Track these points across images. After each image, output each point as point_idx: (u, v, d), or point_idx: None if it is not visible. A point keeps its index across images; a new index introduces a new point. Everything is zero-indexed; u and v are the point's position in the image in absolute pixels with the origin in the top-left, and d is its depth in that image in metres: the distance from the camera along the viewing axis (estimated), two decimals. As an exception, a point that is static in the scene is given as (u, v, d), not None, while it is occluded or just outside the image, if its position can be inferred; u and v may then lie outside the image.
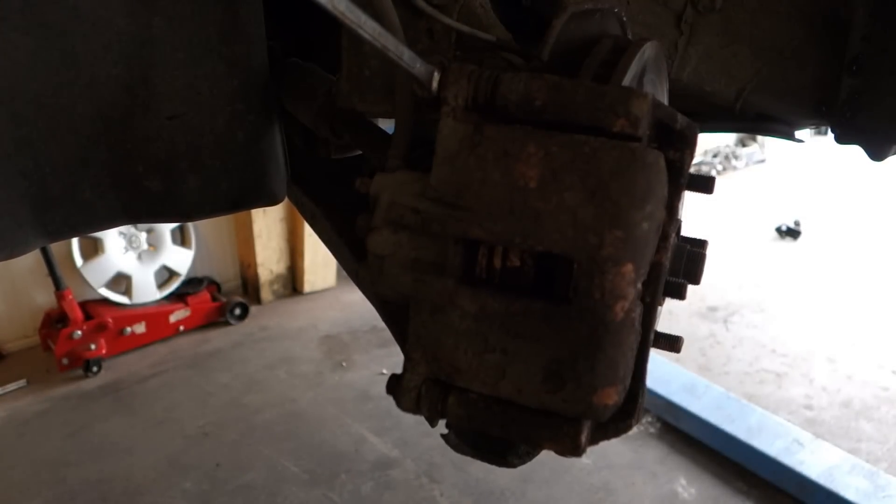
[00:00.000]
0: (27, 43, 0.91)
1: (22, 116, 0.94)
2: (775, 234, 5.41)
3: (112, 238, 3.73)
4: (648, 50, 0.80)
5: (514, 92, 0.69)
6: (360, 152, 1.25)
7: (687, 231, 0.87)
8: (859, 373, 3.55)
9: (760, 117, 1.32)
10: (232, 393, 3.42)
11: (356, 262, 1.07)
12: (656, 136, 0.69)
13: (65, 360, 3.50)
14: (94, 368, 3.54)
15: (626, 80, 0.73)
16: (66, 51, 0.93)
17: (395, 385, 0.77)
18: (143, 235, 3.85)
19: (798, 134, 1.42)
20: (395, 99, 0.85)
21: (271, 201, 1.15)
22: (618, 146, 0.65)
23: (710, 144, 7.19)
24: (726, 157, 7.14)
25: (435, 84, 0.71)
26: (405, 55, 0.69)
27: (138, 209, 1.07)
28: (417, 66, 0.70)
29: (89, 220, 1.05)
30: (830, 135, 1.27)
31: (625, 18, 0.88)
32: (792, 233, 5.34)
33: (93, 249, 3.72)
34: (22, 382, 3.46)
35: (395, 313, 0.92)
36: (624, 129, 0.66)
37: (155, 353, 3.77)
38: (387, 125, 1.02)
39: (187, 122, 1.03)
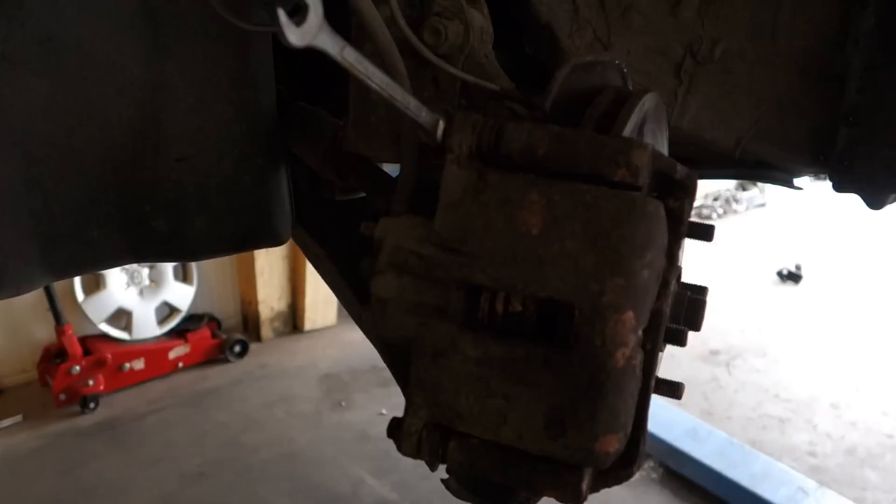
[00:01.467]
0: (43, 86, 0.93)
1: (34, 157, 0.96)
2: (776, 277, 5.42)
3: (114, 273, 3.74)
4: (648, 101, 0.82)
5: (517, 141, 0.71)
6: (364, 194, 1.26)
7: (688, 274, 0.88)
8: (864, 420, 3.53)
9: (760, 164, 1.34)
10: (230, 432, 3.39)
11: (359, 304, 1.07)
12: (656, 185, 0.71)
13: (62, 396, 3.48)
14: (91, 405, 3.52)
15: (627, 131, 0.75)
16: (81, 94, 0.95)
17: (396, 429, 0.78)
18: (146, 271, 3.86)
19: (797, 181, 1.43)
20: (400, 145, 0.86)
21: (276, 242, 1.16)
22: (618, 195, 0.67)
23: (710, 188, 7.23)
24: (727, 201, 7.18)
25: (440, 132, 0.73)
26: (411, 104, 0.71)
27: (144, 249, 1.08)
28: (423, 115, 0.72)
29: (95, 259, 1.06)
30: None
31: (625, 70, 0.90)
32: (793, 277, 5.35)
33: (94, 284, 3.72)
34: (18, 418, 3.44)
35: (397, 356, 0.93)
36: (624, 178, 0.67)
37: (153, 390, 3.76)
38: (391, 168, 1.04)
39: (196, 164, 1.05)
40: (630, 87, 0.91)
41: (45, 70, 0.93)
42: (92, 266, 1.08)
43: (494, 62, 0.94)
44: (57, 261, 1.02)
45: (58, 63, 0.93)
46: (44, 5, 0.90)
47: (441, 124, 0.73)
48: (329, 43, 0.63)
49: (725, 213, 7.09)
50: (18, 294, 1.00)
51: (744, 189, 7.45)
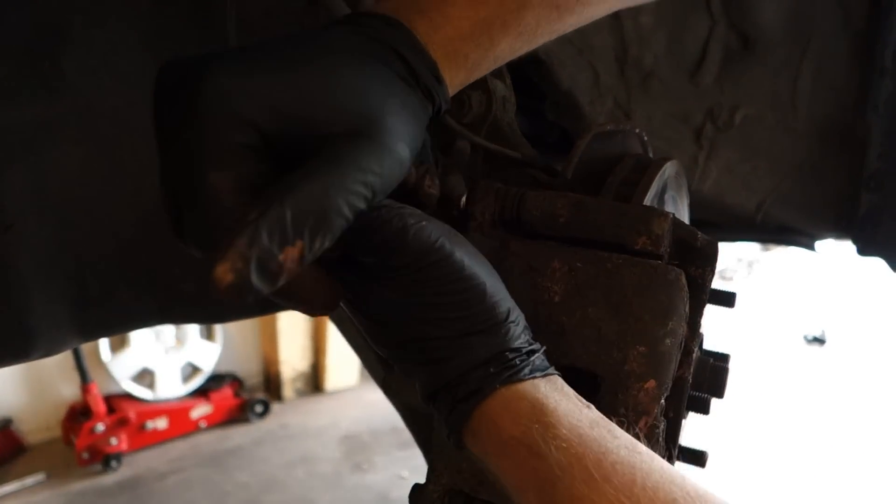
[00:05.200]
0: (80, 153, 0.96)
1: (68, 221, 0.98)
2: (802, 340, 5.35)
3: (139, 332, 3.78)
4: (669, 168, 0.83)
5: (538, 208, 0.72)
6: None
7: (712, 338, 0.88)
8: (896, 487, 3.43)
9: (782, 229, 1.34)
10: (250, 492, 3.37)
11: (383, 367, 1.08)
12: (677, 253, 0.71)
13: (85, 455, 3.48)
14: (114, 464, 3.52)
15: (647, 199, 0.76)
16: (115, 161, 0.98)
17: (418, 495, 0.77)
18: (171, 330, 3.89)
19: (820, 245, 1.43)
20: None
21: (300, 305, 1.17)
22: (639, 263, 0.67)
23: (733, 250, 7.18)
24: (749, 264, 7.13)
25: (463, 201, 0.74)
26: None
27: (173, 311, 1.10)
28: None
29: (125, 320, 1.08)
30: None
31: (646, 138, 0.92)
32: (818, 340, 5.29)
33: (120, 343, 3.76)
34: (41, 476, 3.44)
35: (420, 421, 0.93)
36: (645, 246, 0.68)
37: (175, 450, 3.75)
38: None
39: (224, 229, 1.07)
40: (650, 155, 0.93)
41: (82, 138, 0.96)
42: (121, 328, 1.10)
43: (517, 130, 0.96)
44: (87, 323, 1.04)
45: (94, 131, 0.96)
46: (83, 76, 0.94)
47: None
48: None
49: (749, 274, 7.03)
50: (49, 355, 1.02)
51: (766, 250, 7.40)
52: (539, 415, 0.55)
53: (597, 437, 0.54)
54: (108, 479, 3.47)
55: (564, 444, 0.53)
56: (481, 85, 0.93)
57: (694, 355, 0.72)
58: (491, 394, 0.57)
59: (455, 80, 0.62)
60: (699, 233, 0.71)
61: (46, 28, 0.90)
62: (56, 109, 0.94)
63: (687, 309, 0.69)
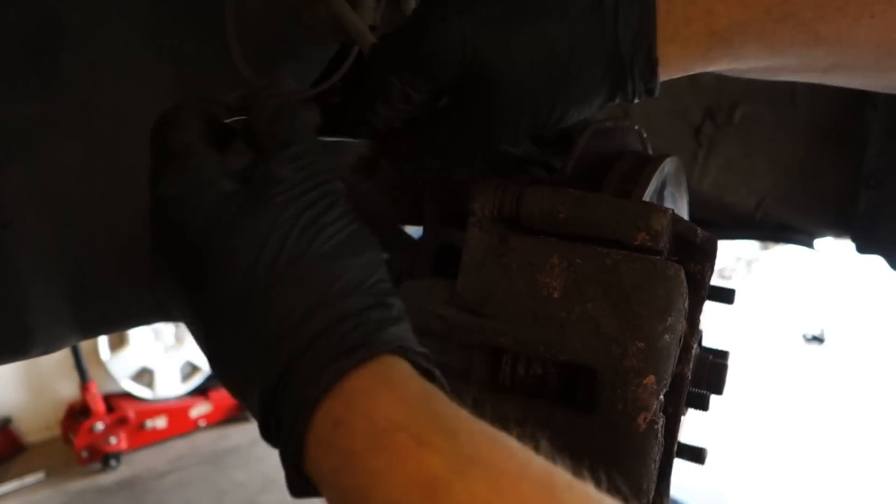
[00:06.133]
0: (77, 149, 0.96)
1: (66, 218, 0.98)
2: (801, 339, 5.35)
3: (139, 331, 3.77)
4: (668, 165, 0.83)
5: (538, 204, 0.72)
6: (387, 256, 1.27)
7: (711, 334, 0.87)
8: None
9: (781, 227, 1.34)
10: (248, 492, 3.36)
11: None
12: (676, 249, 0.71)
13: (84, 454, 3.48)
14: (113, 462, 3.51)
15: (647, 195, 0.76)
16: (114, 158, 0.98)
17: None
18: (170, 329, 3.88)
19: (819, 242, 1.43)
20: (423, 208, 0.88)
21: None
22: (639, 259, 0.67)
23: (731, 247, 7.18)
24: (748, 263, 7.13)
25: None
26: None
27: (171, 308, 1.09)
28: None
29: (124, 317, 1.08)
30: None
31: (644, 135, 0.92)
32: (817, 339, 5.30)
33: (119, 341, 3.75)
34: (40, 475, 3.44)
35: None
36: (645, 242, 0.68)
37: (174, 449, 3.74)
38: (413, 230, 1.05)
39: (222, 225, 1.07)
40: (649, 152, 0.92)
41: (80, 134, 0.96)
42: (120, 324, 1.09)
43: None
44: (86, 319, 1.03)
45: (93, 128, 0.96)
46: (81, 72, 0.94)
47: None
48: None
49: (748, 273, 7.03)
50: (48, 353, 1.02)
51: (766, 249, 7.40)
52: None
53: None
54: (108, 478, 3.46)
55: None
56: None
57: (693, 352, 0.72)
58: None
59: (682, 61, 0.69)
60: (698, 229, 0.71)
61: (44, 25, 0.90)
62: (54, 106, 0.93)
63: (686, 305, 0.69)
